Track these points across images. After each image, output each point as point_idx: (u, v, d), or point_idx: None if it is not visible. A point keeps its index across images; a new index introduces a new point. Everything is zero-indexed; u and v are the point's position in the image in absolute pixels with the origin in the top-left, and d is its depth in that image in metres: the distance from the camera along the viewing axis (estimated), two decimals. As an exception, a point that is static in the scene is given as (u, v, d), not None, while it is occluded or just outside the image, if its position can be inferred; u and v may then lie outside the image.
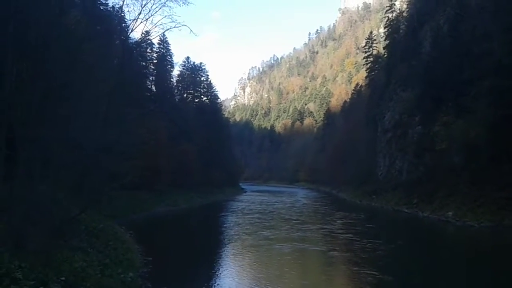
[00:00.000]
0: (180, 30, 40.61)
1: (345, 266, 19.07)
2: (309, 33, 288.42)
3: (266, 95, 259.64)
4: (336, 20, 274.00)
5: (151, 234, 28.33)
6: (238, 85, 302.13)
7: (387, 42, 75.57)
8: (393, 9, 78.46)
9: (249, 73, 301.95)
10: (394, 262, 19.97)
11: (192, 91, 76.16)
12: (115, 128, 32.65)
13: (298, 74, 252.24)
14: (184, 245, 24.78)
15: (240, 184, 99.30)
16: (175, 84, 72.75)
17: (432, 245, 26.54)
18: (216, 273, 17.26)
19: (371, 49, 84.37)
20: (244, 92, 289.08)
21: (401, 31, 71.50)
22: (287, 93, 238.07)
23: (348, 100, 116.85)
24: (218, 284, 15.45)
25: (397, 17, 76.03)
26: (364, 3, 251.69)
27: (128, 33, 37.44)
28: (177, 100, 71.25)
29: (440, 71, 46.88)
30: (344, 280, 17.05)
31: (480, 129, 36.07)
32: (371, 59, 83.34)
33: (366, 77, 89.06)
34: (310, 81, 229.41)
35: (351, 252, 21.68)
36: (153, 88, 64.39)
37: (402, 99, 60.81)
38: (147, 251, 19.41)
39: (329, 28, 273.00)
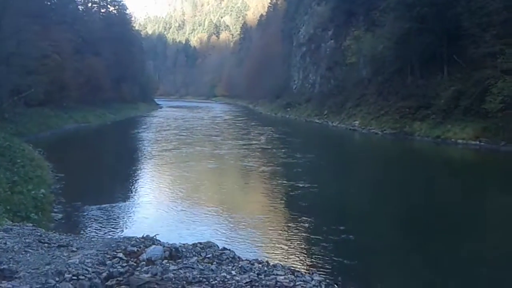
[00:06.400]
0: None
1: (281, 180, 17.85)
2: None
3: (180, 7, 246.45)
4: None
5: (61, 151, 26.73)
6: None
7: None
8: None
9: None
10: (320, 171, 20.92)
11: (97, 0, 69.72)
12: (11, 39, 29.47)
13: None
14: (98, 162, 23.76)
15: (156, 100, 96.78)
16: (77, -8, 65.70)
17: (347, 150, 29.35)
18: (134, 188, 16.88)
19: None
20: (155, 2, 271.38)
21: None
22: (202, 5, 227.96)
23: (264, 13, 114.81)
24: (134, 198, 15.20)
25: None
26: None
27: None
28: (80, 10, 64.94)
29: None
30: (283, 190, 16.15)
31: (387, 42, 37.81)
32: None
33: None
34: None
35: (283, 167, 20.95)
36: (53, -5, 57.72)
37: (316, 13, 61.12)
38: (59, 168, 18.46)
39: None
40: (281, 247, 10.00)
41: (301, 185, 16.23)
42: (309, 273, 5.04)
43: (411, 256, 9.67)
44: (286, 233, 11.07)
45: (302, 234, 10.86)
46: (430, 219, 12.51)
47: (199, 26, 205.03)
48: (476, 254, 9.66)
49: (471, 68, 29.24)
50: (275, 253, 9.44)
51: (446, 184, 17.98)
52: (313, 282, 4.31)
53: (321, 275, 5.14)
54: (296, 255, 9.40)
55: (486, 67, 27.32)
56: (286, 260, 8.59)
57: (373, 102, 39.83)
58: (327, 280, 4.64)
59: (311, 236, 10.66)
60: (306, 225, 11.47)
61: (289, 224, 11.77)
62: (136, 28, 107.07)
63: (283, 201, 14.76)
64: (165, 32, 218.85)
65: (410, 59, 35.35)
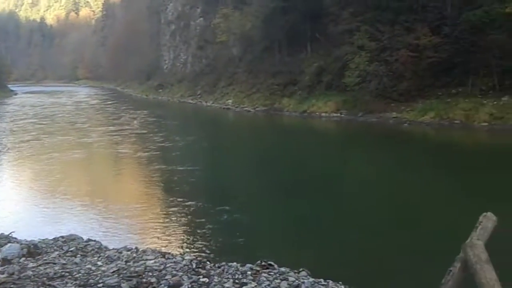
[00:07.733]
0: None
1: (159, 165, 17.38)
2: None
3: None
4: None
5: None
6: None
7: None
8: None
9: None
10: (196, 149, 21.14)
11: None
12: None
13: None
14: None
15: (9, 86, 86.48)
16: None
17: (222, 129, 30.22)
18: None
19: None
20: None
21: None
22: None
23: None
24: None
25: None
26: None
27: None
28: None
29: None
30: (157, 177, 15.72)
31: (255, 21, 38.72)
32: None
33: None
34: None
35: (161, 151, 20.42)
36: None
37: (183, -11, 59.98)
38: None
39: None
40: (156, 232, 9.66)
41: (181, 169, 16.03)
42: (180, 254, 4.87)
43: (288, 226, 10.12)
44: (163, 218, 10.75)
45: (181, 218, 10.61)
46: (302, 186, 13.26)
47: (55, 2, 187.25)
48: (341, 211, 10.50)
49: (332, 45, 31.44)
50: (149, 240, 9.09)
51: (310, 152, 19.61)
52: (184, 262, 4.15)
53: (194, 255, 5.00)
54: (172, 239, 9.17)
55: (344, 43, 29.55)
56: (159, 245, 8.24)
57: (245, 81, 40.71)
58: (199, 258, 4.50)
59: (191, 219, 10.49)
60: (187, 209, 11.19)
61: (168, 210, 11.40)
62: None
63: (162, 187, 14.33)
64: (17, 10, 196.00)
65: (277, 37, 36.70)
